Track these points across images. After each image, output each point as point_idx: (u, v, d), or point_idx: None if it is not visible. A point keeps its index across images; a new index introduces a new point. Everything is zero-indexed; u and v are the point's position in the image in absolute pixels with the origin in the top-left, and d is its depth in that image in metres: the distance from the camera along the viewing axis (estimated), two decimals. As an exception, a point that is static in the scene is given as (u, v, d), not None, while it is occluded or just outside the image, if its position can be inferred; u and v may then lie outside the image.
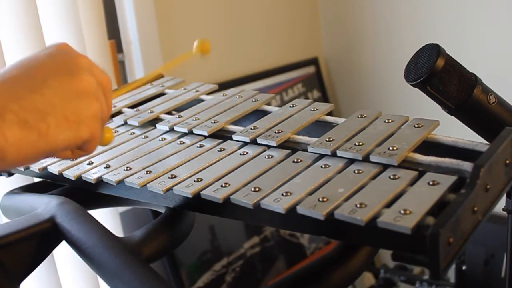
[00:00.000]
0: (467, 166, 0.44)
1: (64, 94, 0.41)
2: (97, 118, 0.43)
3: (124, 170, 0.57)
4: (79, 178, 0.59)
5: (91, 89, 0.43)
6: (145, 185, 0.54)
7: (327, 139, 0.52)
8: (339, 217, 0.41)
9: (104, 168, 0.59)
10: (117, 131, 0.70)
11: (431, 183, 0.42)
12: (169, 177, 0.53)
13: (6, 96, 0.38)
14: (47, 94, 0.40)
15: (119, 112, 0.76)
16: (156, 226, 0.54)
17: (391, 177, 0.45)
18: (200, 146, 0.60)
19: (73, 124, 0.41)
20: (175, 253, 1.44)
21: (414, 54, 0.60)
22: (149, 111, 0.72)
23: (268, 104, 0.68)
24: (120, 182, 0.56)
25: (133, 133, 0.68)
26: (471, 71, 0.60)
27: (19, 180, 0.93)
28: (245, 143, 0.58)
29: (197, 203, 0.51)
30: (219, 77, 1.63)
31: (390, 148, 0.48)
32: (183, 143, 0.61)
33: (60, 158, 0.43)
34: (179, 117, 0.67)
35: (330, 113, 0.61)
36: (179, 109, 0.73)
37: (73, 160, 0.61)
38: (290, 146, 0.55)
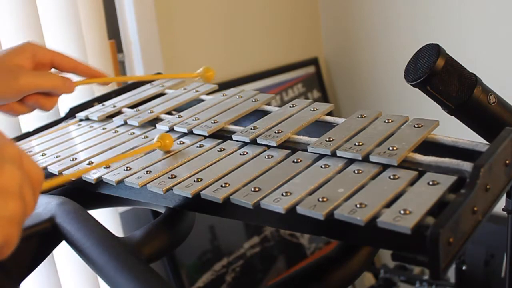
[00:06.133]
0: (467, 166, 0.44)
1: None
2: (14, 221, 0.35)
3: (124, 170, 0.57)
4: (79, 178, 0.59)
5: (13, 186, 0.35)
6: (145, 185, 0.54)
7: (327, 139, 0.52)
8: (339, 217, 0.41)
9: (104, 168, 0.59)
10: (117, 131, 0.70)
11: (431, 183, 0.42)
12: (169, 177, 0.53)
13: None
14: None
15: (119, 112, 0.76)
16: (156, 226, 0.54)
17: (391, 177, 0.45)
18: (200, 146, 0.60)
19: None
20: (175, 253, 1.44)
21: (414, 54, 0.60)
22: (149, 111, 0.72)
23: (268, 104, 0.68)
24: (120, 182, 0.56)
25: (133, 133, 0.68)
26: (471, 71, 0.60)
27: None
28: (245, 143, 0.58)
29: (197, 203, 0.51)
30: (219, 77, 1.62)
31: (390, 148, 0.48)
32: (183, 143, 0.62)
33: None
34: (179, 117, 0.67)
35: (330, 113, 0.61)
36: (179, 109, 0.73)
37: None
38: (290, 146, 0.55)
